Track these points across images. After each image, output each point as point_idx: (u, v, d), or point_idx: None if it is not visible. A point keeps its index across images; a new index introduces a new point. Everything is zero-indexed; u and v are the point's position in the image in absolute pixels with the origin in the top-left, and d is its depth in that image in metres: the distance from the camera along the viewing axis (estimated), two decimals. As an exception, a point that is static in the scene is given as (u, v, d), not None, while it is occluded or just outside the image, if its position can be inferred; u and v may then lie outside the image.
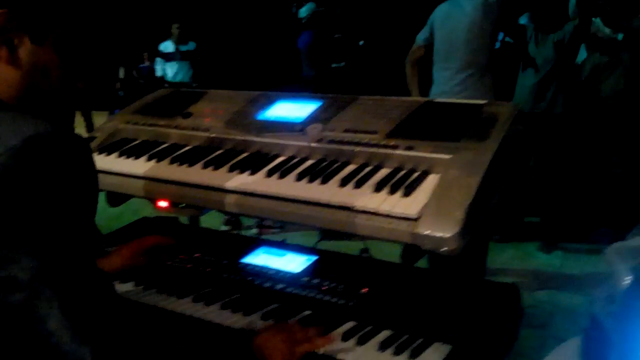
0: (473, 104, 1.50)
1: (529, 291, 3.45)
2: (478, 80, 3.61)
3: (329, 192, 1.33)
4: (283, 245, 1.82)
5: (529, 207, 4.47)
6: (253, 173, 1.49)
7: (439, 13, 3.72)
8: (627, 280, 1.15)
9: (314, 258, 1.67)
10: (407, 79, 3.89)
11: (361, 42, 5.73)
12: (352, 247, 2.82)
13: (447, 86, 3.66)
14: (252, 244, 1.81)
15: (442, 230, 1.13)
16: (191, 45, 7.56)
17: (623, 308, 1.08)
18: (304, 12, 5.49)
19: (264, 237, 3.74)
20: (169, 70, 7.54)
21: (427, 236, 1.15)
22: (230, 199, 1.45)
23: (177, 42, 7.45)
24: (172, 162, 1.64)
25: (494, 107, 1.46)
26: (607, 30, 4.00)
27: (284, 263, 1.67)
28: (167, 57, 7.52)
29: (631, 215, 4.07)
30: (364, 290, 1.46)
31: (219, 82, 3.48)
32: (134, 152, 1.73)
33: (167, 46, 7.52)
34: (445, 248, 1.14)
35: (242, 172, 1.50)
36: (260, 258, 1.72)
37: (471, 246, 1.18)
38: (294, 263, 1.66)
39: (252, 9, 7.52)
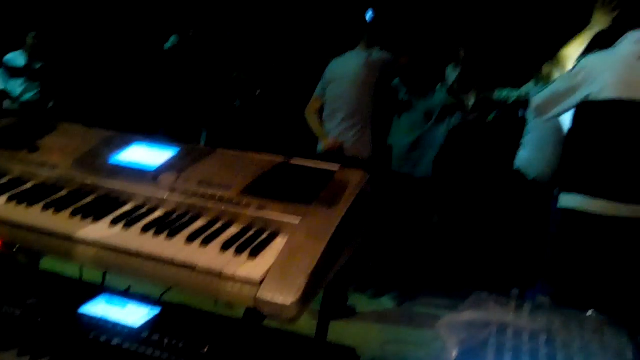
0: (327, 169, 1.54)
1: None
2: (360, 132, 3.91)
3: (174, 248, 1.29)
4: (126, 295, 1.74)
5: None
6: (96, 220, 1.42)
7: (331, 67, 4.06)
8: (454, 354, 1.21)
9: (156, 311, 1.61)
10: (312, 129, 4.08)
11: (258, 92, 5.66)
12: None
13: (334, 135, 3.94)
14: (94, 292, 1.71)
15: (283, 298, 1.13)
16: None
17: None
18: (168, 44, 5.40)
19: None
20: (14, 87, 6.12)
21: (267, 302, 1.14)
22: (68, 246, 1.36)
23: (30, 56, 6.10)
24: (9, 199, 1.52)
25: (345, 174, 1.50)
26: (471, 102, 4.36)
27: (124, 315, 1.59)
28: (14, 72, 6.11)
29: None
30: (204, 349, 1.42)
31: (74, 110, 3.32)
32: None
33: (16, 58, 6.10)
34: (285, 316, 1.14)
35: (84, 218, 1.42)
36: (100, 308, 1.62)
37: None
38: (134, 315, 1.58)
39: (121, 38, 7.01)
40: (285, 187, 1.46)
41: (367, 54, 3.94)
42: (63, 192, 1.57)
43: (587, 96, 2.69)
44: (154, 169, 1.59)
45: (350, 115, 3.91)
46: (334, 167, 1.54)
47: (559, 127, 3.79)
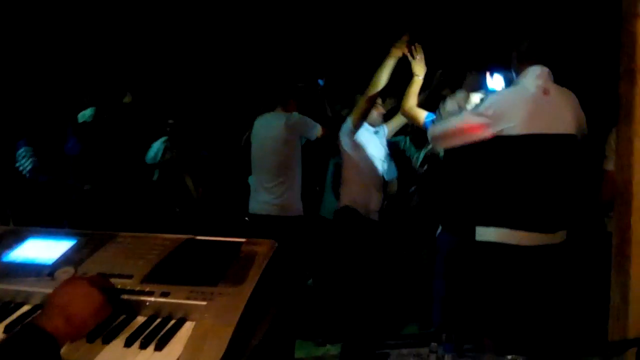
0: (233, 242, 1.50)
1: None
2: (288, 189, 4.00)
3: (74, 350, 1.20)
4: None
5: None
6: (-7, 328, 1.31)
7: (255, 126, 4.22)
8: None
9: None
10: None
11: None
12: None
13: (261, 192, 4.06)
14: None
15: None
16: None
17: None
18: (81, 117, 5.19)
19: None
20: None
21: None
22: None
23: None
24: None
25: (251, 246, 1.47)
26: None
27: None
28: None
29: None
30: None
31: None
32: None
33: None
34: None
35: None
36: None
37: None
38: None
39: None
40: (189, 268, 1.41)
41: (286, 117, 4.06)
42: (-50, 302, 1.45)
43: (500, 131, 2.77)
44: (50, 264, 1.50)
45: (276, 174, 4.03)
46: (240, 240, 1.51)
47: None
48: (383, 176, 4.12)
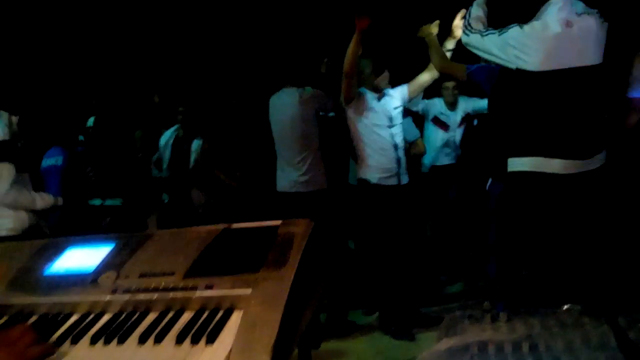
0: (269, 226, 1.48)
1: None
2: (312, 163, 4.04)
3: (127, 354, 1.20)
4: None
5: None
6: (43, 342, 1.32)
7: (270, 105, 4.23)
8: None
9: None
10: None
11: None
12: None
13: (287, 170, 4.09)
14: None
15: (249, 382, 1.06)
16: None
17: None
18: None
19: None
20: None
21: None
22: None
23: None
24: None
25: (288, 227, 1.45)
26: None
27: None
28: None
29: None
30: None
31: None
32: None
33: None
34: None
35: (28, 344, 1.32)
36: None
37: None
38: None
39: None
40: (230, 258, 1.40)
41: (299, 93, 4.08)
42: (2, 320, 1.46)
43: (521, 66, 2.76)
44: (91, 271, 1.50)
45: (300, 150, 4.04)
46: (275, 222, 1.49)
47: None
48: (398, 140, 4.06)
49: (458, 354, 1.23)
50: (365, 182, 4.00)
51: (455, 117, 5.14)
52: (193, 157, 5.10)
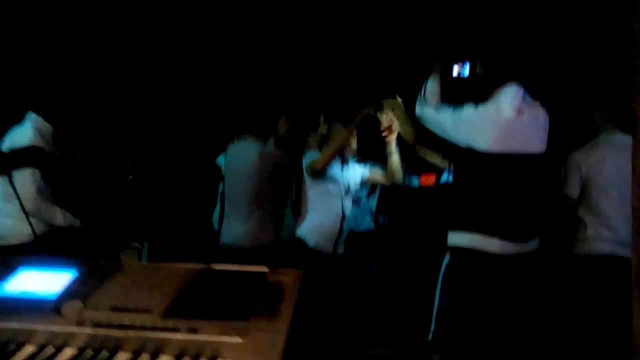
0: (255, 272, 1.40)
1: None
2: (261, 217, 3.90)
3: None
4: None
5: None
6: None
7: (227, 154, 4.11)
8: None
9: None
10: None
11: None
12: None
13: (234, 223, 3.93)
14: None
15: None
16: None
17: None
18: None
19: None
20: None
21: None
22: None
23: None
24: None
25: (277, 276, 1.38)
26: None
27: None
28: None
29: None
30: None
31: None
32: None
33: None
34: None
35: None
36: None
37: None
38: None
39: None
40: (214, 301, 1.31)
41: (260, 146, 4.00)
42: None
43: (470, 145, 2.83)
44: (54, 297, 1.37)
45: (253, 207, 3.91)
46: (262, 269, 1.42)
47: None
48: (347, 212, 4.06)
49: None
50: (301, 242, 3.91)
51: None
52: None
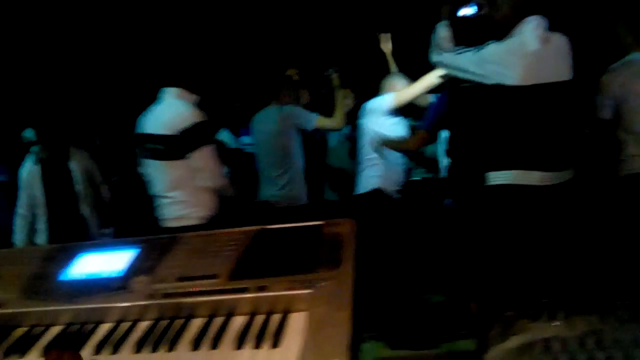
0: (311, 226, 1.42)
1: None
2: (291, 177, 4.01)
3: (183, 360, 1.12)
4: None
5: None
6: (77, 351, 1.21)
7: (253, 122, 4.21)
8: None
9: None
10: None
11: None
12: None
13: (271, 188, 4.04)
14: None
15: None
16: None
17: None
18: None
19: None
20: None
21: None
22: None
23: None
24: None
25: (334, 227, 1.40)
26: None
27: None
28: None
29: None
30: None
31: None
32: None
33: None
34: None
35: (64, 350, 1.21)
36: None
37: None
38: None
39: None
40: (277, 258, 1.33)
41: (279, 110, 4.06)
42: (20, 331, 1.34)
43: (500, 81, 2.81)
44: (119, 275, 1.41)
45: (280, 167, 4.01)
46: (318, 223, 1.43)
47: None
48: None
49: (525, 352, 1.21)
50: (379, 192, 3.98)
51: None
52: None
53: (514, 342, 1.19)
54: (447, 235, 4.39)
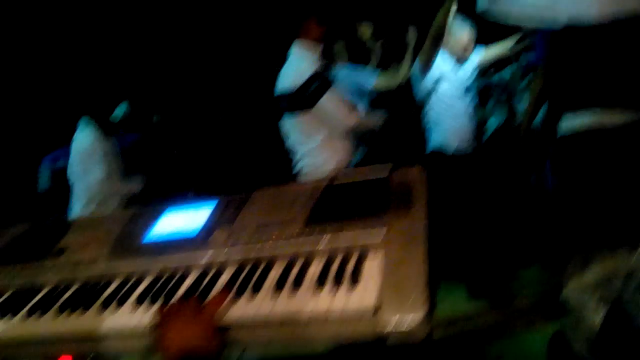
0: (377, 177, 1.46)
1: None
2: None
3: (266, 304, 1.17)
4: None
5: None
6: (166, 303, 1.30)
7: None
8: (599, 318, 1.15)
9: None
10: None
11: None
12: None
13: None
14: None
15: (412, 315, 1.03)
16: None
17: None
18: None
19: None
20: None
21: (393, 327, 1.04)
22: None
23: None
24: (60, 310, 1.37)
25: (401, 174, 1.43)
26: None
27: None
28: None
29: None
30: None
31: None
32: (7, 310, 1.43)
33: None
34: (416, 334, 1.04)
35: (152, 302, 1.30)
36: None
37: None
38: None
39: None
40: (349, 205, 1.37)
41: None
42: (113, 285, 1.43)
43: (576, 19, 2.72)
44: (199, 230, 1.48)
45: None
46: (383, 172, 1.46)
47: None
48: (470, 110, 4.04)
49: (603, 285, 1.21)
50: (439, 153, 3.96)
51: None
52: None
53: (593, 274, 1.19)
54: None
